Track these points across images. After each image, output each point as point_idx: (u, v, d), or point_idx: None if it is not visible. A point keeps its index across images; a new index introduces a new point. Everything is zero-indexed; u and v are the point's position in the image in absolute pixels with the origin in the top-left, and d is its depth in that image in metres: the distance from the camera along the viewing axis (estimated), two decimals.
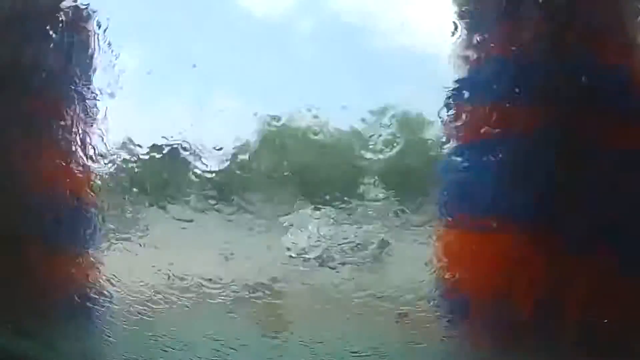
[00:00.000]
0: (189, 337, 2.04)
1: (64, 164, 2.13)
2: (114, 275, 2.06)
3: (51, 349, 1.94)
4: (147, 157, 2.13)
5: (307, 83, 2.21)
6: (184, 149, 2.14)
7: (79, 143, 2.12)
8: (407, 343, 2.06)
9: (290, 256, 2.10)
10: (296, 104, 2.20)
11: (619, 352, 1.86)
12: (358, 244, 2.14)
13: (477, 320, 2.01)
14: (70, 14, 2.13)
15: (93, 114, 2.14)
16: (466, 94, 2.05)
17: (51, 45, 2.14)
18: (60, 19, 2.13)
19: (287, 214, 2.11)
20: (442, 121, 2.12)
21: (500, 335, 1.97)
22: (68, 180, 2.14)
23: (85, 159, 2.12)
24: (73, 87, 2.15)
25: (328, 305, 2.08)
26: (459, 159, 2.06)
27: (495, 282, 1.95)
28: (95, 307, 2.03)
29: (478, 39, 2.02)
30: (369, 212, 2.21)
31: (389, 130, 2.29)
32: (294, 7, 2.29)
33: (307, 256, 2.12)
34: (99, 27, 2.18)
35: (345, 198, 2.21)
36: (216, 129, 2.23)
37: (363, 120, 2.25)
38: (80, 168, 2.12)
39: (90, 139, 2.13)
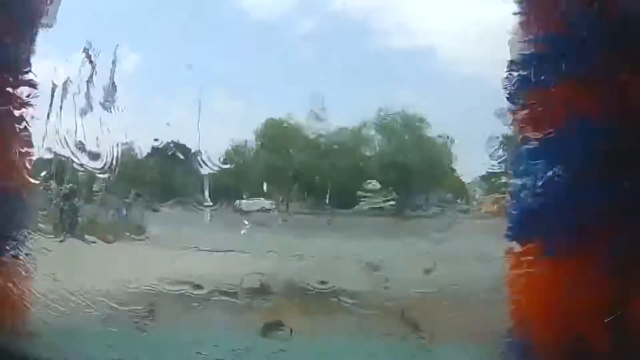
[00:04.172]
0: (189, 335, 2.03)
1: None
2: (115, 273, 2.05)
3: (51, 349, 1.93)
4: (147, 157, 2.13)
5: (307, 83, 2.21)
6: (184, 149, 2.14)
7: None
8: None
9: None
10: (296, 104, 2.21)
11: None
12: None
13: None
14: None
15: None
16: None
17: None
18: None
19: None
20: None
21: None
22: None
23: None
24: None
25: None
26: None
27: None
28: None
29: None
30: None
31: (389, 130, 2.30)
32: (294, 7, 2.30)
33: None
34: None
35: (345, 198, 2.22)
36: (216, 130, 2.23)
37: (363, 120, 2.26)
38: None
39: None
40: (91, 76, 2.14)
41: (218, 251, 2.09)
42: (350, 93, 2.17)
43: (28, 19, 2.00)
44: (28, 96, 1.96)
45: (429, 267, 2.08)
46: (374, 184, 2.21)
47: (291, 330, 2.00)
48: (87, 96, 2.15)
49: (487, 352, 1.99)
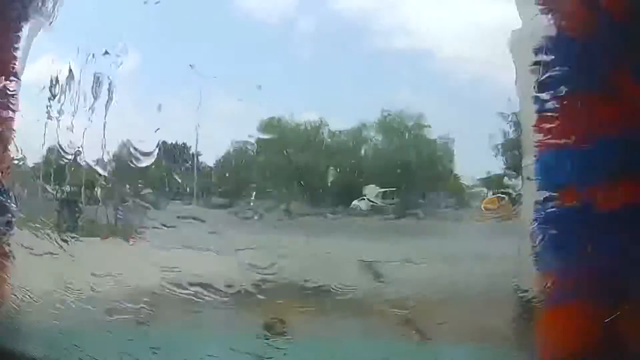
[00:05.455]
0: (188, 334, 2.03)
1: None
2: (114, 273, 2.05)
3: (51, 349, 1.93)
4: (147, 157, 2.13)
5: (307, 83, 2.21)
6: (185, 149, 2.15)
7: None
8: None
9: None
10: (296, 104, 2.21)
11: None
12: None
13: None
14: None
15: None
16: None
17: None
18: None
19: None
20: None
21: None
22: None
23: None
24: None
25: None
26: None
27: None
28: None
29: None
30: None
31: (389, 130, 2.30)
32: (294, 7, 2.30)
33: None
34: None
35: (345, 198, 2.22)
36: (216, 129, 2.24)
37: (363, 120, 2.26)
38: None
39: None
40: (91, 75, 2.14)
41: (218, 251, 2.09)
42: (350, 93, 2.17)
43: (19, 15, 2.01)
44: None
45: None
46: (372, 189, 2.21)
47: (291, 331, 2.00)
48: (87, 96, 2.16)
49: (487, 352, 2.00)
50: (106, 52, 2.11)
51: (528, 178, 1.94)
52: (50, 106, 2.12)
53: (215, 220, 2.15)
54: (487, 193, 2.16)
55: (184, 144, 2.24)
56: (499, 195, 2.10)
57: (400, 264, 2.15)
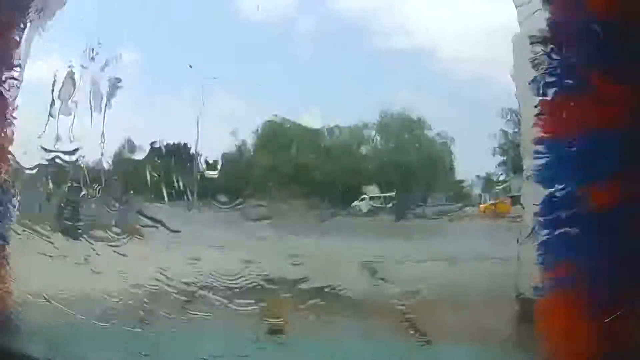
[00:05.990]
0: (188, 334, 2.03)
1: None
2: (114, 272, 2.05)
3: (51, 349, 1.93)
4: (147, 157, 2.13)
5: (307, 83, 2.22)
6: (185, 149, 2.15)
7: None
8: None
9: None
10: (296, 104, 2.21)
11: None
12: None
13: None
14: None
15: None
16: None
17: None
18: None
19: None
20: None
21: None
22: None
23: None
24: None
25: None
26: None
27: None
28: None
29: None
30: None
31: (389, 130, 2.30)
32: (294, 7, 2.31)
33: None
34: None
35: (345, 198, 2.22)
36: (216, 129, 2.24)
37: (363, 120, 2.26)
38: None
39: None
40: (92, 76, 2.14)
41: (217, 251, 2.09)
42: (350, 93, 2.18)
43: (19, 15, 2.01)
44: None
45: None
46: (372, 189, 2.21)
47: (291, 331, 2.00)
48: (87, 96, 2.16)
49: (487, 352, 1.99)
50: (106, 52, 2.12)
51: (528, 178, 1.93)
52: (51, 105, 2.12)
53: (215, 220, 2.15)
54: (486, 196, 2.16)
55: (185, 144, 2.24)
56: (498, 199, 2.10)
57: (400, 264, 2.15)
